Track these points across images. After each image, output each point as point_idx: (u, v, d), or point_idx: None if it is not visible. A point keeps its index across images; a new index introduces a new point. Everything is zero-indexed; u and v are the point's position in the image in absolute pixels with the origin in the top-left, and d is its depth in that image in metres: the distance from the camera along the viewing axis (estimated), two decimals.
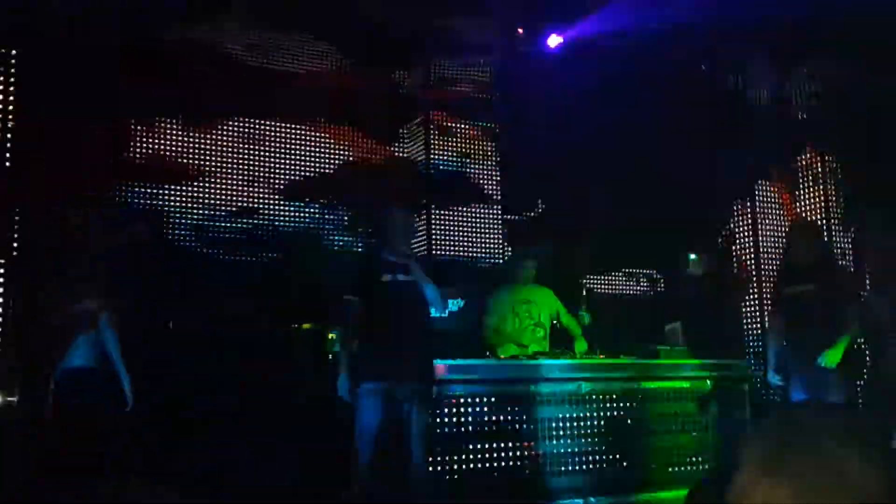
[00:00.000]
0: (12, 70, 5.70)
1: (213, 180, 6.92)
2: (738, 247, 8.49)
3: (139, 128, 6.69)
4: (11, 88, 5.69)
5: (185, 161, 6.81)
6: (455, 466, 4.93)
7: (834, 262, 6.62)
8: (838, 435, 1.22)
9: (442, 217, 7.67)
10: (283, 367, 5.90)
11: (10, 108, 5.69)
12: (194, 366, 5.66)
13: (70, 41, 5.85)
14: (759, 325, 8.09)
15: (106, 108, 6.25)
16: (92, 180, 6.18)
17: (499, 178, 8.00)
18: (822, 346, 5.17)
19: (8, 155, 5.64)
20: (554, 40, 7.38)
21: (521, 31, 7.43)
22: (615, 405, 5.58)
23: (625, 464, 5.54)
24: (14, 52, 5.78)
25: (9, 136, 5.70)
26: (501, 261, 7.78)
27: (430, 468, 4.71)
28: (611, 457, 5.48)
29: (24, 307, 5.39)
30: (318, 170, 7.35)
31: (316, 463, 4.95)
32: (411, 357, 4.39)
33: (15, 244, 5.64)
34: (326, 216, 7.33)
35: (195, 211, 6.79)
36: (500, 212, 7.97)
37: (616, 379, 5.63)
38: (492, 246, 7.89)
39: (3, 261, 5.56)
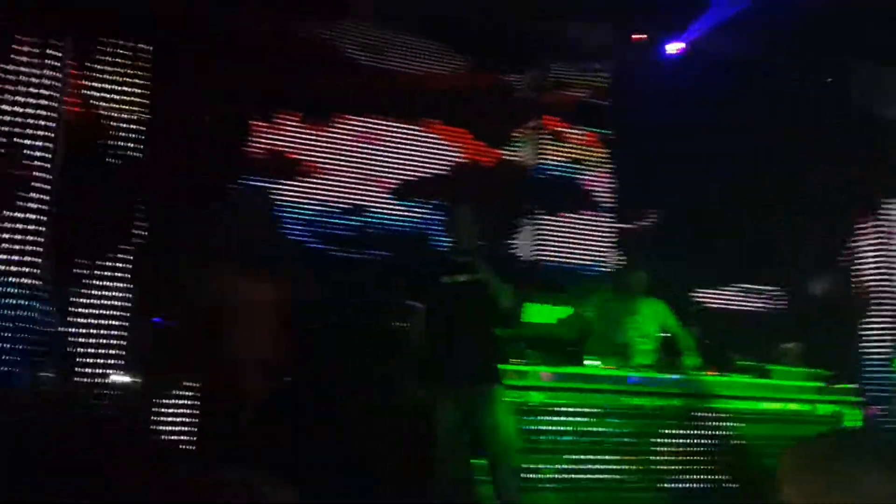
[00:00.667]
0: (148, 66, 5.97)
1: (326, 177, 7.07)
2: (861, 265, 8.06)
3: (259, 123, 6.90)
4: (144, 83, 5.97)
5: (300, 157, 6.99)
6: (553, 476, 4.87)
7: None
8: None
9: (550, 223, 7.60)
10: (382, 365, 5.96)
11: (143, 101, 5.97)
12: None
13: (199, 38, 6.10)
14: (882, 348, 7.66)
15: (229, 103, 6.50)
16: (214, 174, 6.41)
17: (611, 186, 7.86)
18: None
19: (142, 148, 5.92)
20: (674, 46, 7.20)
21: (640, 36, 7.27)
22: (722, 424, 5.39)
23: (733, 485, 5.34)
24: (150, 47, 6.06)
25: (140, 127, 5.99)
26: (611, 269, 7.64)
27: (523, 476, 4.63)
28: (716, 477, 5.29)
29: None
30: (428, 170, 7.40)
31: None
32: (474, 360, 4.27)
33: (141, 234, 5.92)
34: (435, 217, 7.37)
35: (308, 207, 6.96)
36: (611, 219, 7.84)
37: (723, 397, 5.43)
38: (601, 254, 7.77)
39: (130, 249, 5.83)
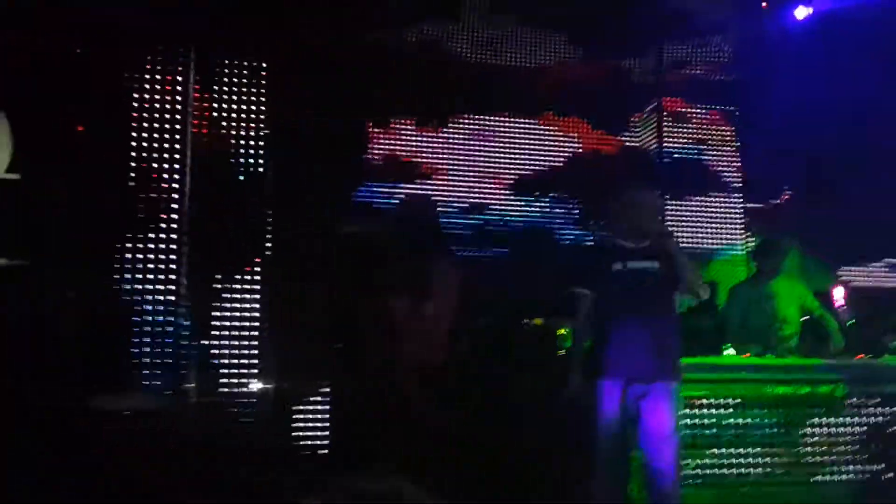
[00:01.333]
0: (263, 82, 6.14)
1: (444, 178, 7.10)
2: None
3: (376, 129, 7.00)
4: (263, 99, 6.13)
5: (418, 160, 7.05)
6: (698, 472, 4.69)
7: None
8: None
9: (677, 207, 7.35)
10: (513, 362, 5.92)
11: (262, 116, 6.14)
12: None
13: (311, 48, 6.22)
14: None
15: (346, 111, 6.61)
16: (337, 181, 6.54)
17: (739, 164, 7.54)
18: None
19: (261, 162, 6.10)
20: (802, 11, 6.75)
21: (764, 4, 6.90)
22: (876, 411, 5.05)
23: (891, 475, 5.00)
24: (265, 64, 6.23)
25: (262, 143, 6.16)
26: (742, 251, 7.33)
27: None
28: (871, 468, 4.97)
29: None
30: (547, 163, 7.33)
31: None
32: (649, 351, 3.98)
33: (268, 245, 6.09)
34: (556, 210, 7.29)
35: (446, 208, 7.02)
36: (740, 199, 7.52)
37: (876, 382, 5.08)
38: (732, 236, 7.46)
39: (258, 260, 6.01)
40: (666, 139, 7.42)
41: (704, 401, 4.77)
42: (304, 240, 6.31)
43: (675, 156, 7.46)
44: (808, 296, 5.80)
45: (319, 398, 5.91)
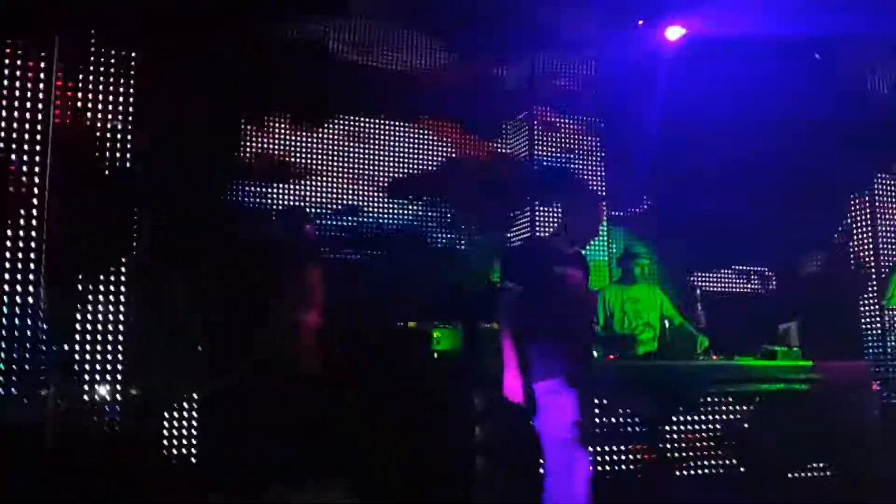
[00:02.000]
0: (132, 73, 5.86)
1: (319, 179, 7.02)
2: (855, 243, 8.11)
3: (249, 127, 6.83)
4: (132, 91, 5.86)
5: (292, 160, 6.94)
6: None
7: None
8: None
9: (546, 213, 7.57)
10: (385, 365, 5.92)
11: (130, 109, 5.86)
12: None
13: (183, 42, 6.00)
14: (879, 325, 7.72)
15: (218, 108, 6.41)
16: (207, 180, 6.34)
17: (603, 174, 7.86)
18: None
19: (128, 156, 5.82)
20: (675, 32, 7.04)
21: (641, 22, 7.22)
22: (730, 410, 5.40)
23: (742, 469, 5.36)
24: (133, 54, 5.95)
25: (129, 137, 5.89)
26: (605, 258, 7.64)
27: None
28: (727, 461, 5.31)
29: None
30: (421, 167, 7.38)
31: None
32: (584, 352, 4.23)
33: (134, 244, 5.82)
34: (429, 213, 7.36)
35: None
36: (606, 208, 7.83)
37: (734, 381, 5.44)
38: (596, 243, 7.75)
39: (124, 260, 5.74)
40: (536, 147, 7.62)
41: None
42: (173, 238, 6.08)
43: (545, 163, 7.69)
44: (666, 301, 6.12)
45: (187, 405, 5.71)
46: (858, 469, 5.50)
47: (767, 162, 7.18)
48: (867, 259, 7.92)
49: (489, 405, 4.65)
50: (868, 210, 8.01)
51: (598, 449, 4.85)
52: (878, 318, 7.72)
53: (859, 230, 8.09)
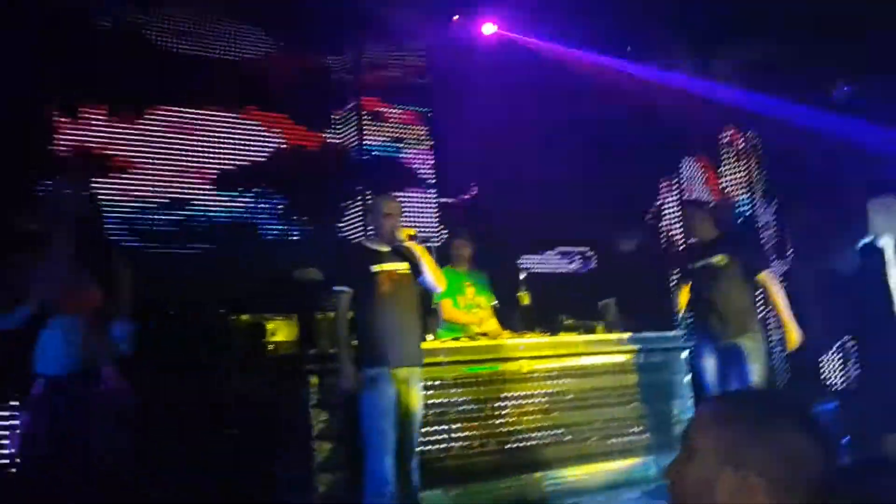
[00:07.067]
0: None
1: (141, 172, 6.76)
2: (666, 222, 8.73)
3: (61, 119, 6.48)
4: None
5: (111, 153, 6.64)
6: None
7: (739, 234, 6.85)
8: (791, 420, 1.28)
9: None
10: (221, 358, 5.83)
11: None
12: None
13: None
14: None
15: (25, 96, 6.05)
16: (14, 175, 5.96)
17: (432, 162, 8.03)
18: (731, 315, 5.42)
19: None
20: (489, 28, 7.42)
21: (455, 17, 7.43)
22: (556, 382, 5.71)
23: (567, 438, 5.68)
24: None
25: None
26: (437, 244, 7.82)
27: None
28: (554, 431, 5.62)
29: None
30: (250, 158, 7.25)
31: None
32: (407, 341, 4.55)
33: None
34: (260, 205, 7.26)
35: (124, 204, 6.63)
36: (434, 195, 8.02)
37: (557, 356, 5.74)
38: (427, 229, 7.93)
39: None
40: (365, 137, 7.69)
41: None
42: None
43: (375, 153, 7.77)
44: (485, 283, 6.39)
45: (5, 412, 5.39)
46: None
47: (585, 150, 7.58)
48: (676, 237, 8.54)
49: (325, 393, 4.74)
50: (676, 191, 8.65)
51: (431, 430, 5.01)
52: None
53: (668, 210, 8.71)
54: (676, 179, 8.71)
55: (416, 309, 4.69)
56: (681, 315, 5.92)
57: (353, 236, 7.45)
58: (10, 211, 5.84)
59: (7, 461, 4.98)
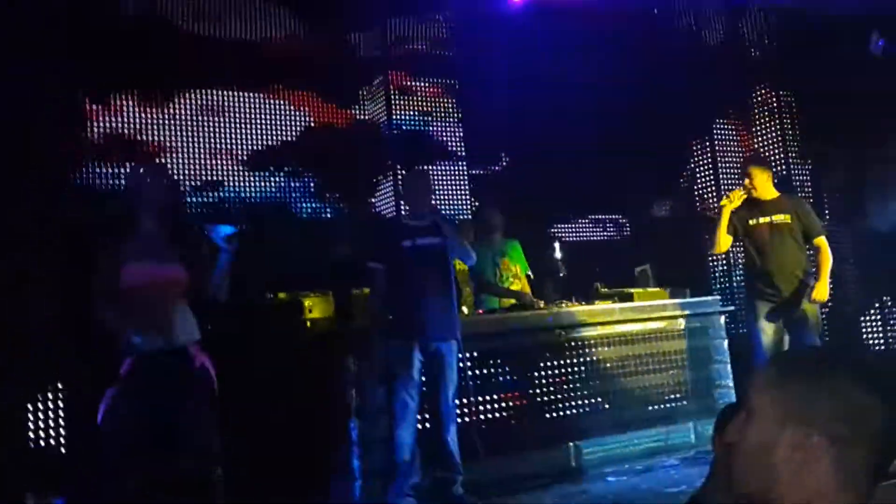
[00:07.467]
0: None
1: (174, 156, 6.81)
2: (699, 186, 8.64)
3: (94, 106, 6.53)
4: None
5: (144, 138, 6.69)
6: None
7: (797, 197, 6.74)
8: (851, 376, 1.25)
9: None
10: (259, 337, 5.89)
11: None
12: None
13: (17, 15, 5.68)
14: (724, 263, 8.29)
15: (58, 86, 6.11)
16: (52, 163, 6.04)
17: (461, 135, 8.00)
18: (793, 278, 5.35)
19: None
20: None
21: None
22: (594, 350, 5.70)
23: (606, 406, 5.69)
24: None
25: None
26: (469, 216, 7.82)
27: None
28: (593, 400, 5.62)
29: None
30: (280, 138, 7.27)
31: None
32: (439, 314, 4.58)
33: None
34: (292, 184, 7.29)
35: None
36: (464, 167, 8.00)
37: (594, 324, 5.74)
38: (459, 201, 7.93)
39: None
40: (394, 112, 7.67)
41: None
42: (19, 227, 5.79)
43: (404, 128, 7.75)
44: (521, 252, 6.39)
45: (52, 396, 5.51)
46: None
47: (614, 115, 7.49)
48: (711, 201, 8.45)
49: (362, 368, 4.80)
50: (709, 154, 8.54)
51: (472, 399, 5.04)
52: (721, 257, 8.27)
53: (702, 174, 8.61)
54: (709, 141, 8.59)
55: (450, 282, 4.69)
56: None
57: (385, 212, 7.46)
58: (51, 199, 5.96)
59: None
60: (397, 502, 4.52)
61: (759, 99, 8.60)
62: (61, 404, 5.62)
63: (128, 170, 6.12)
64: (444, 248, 4.66)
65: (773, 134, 8.44)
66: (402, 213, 4.86)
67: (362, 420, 4.82)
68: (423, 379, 4.63)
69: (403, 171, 7.34)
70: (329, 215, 7.35)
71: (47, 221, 5.89)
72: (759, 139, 8.56)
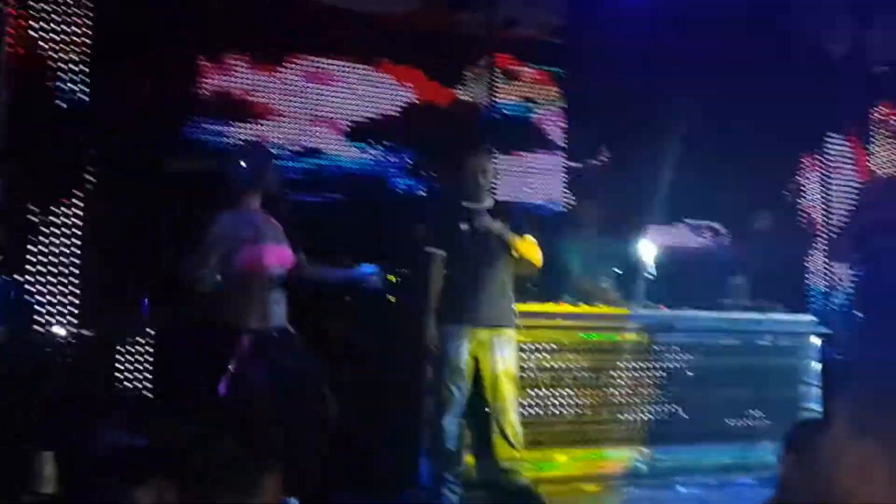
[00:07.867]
0: (87, 10, 5.74)
1: (278, 119, 6.94)
2: (805, 201, 8.30)
3: (208, 64, 6.70)
4: (87, 26, 5.74)
5: (251, 99, 6.83)
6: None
7: None
8: None
9: (505, 161, 7.59)
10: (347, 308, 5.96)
11: (86, 44, 5.75)
12: None
13: None
14: (825, 281, 7.97)
15: (176, 42, 6.31)
16: (164, 116, 6.24)
17: (563, 125, 7.88)
18: None
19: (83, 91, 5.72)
20: None
21: None
22: (678, 358, 5.57)
23: (683, 415, 5.55)
24: None
25: (83, 69, 5.79)
26: (563, 208, 7.72)
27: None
28: (673, 409, 5.50)
29: None
30: (381, 111, 7.30)
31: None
32: (490, 301, 4.49)
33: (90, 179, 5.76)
34: (389, 158, 7.32)
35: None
36: (563, 158, 7.88)
37: (681, 331, 5.60)
38: (553, 192, 7.83)
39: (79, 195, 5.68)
40: (497, 95, 7.61)
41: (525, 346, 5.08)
42: (128, 175, 6.02)
43: (505, 112, 7.69)
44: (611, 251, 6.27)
45: (143, 340, 5.72)
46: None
47: (723, 119, 7.26)
48: (817, 218, 8.11)
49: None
50: (819, 170, 8.19)
51: (543, 393, 4.99)
52: (823, 277, 7.95)
53: (810, 190, 8.27)
54: (820, 156, 8.24)
55: (505, 270, 4.59)
56: None
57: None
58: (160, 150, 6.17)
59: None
60: (441, 490, 4.44)
61: (879, 116, 8.19)
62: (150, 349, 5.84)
63: (234, 140, 6.31)
64: (502, 233, 4.54)
65: (892, 154, 8.04)
66: (462, 194, 4.73)
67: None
68: (478, 366, 4.49)
69: (500, 155, 7.27)
70: (423, 193, 7.35)
71: (155, 173, 6.11)
72: (876, 159, 8.16)
